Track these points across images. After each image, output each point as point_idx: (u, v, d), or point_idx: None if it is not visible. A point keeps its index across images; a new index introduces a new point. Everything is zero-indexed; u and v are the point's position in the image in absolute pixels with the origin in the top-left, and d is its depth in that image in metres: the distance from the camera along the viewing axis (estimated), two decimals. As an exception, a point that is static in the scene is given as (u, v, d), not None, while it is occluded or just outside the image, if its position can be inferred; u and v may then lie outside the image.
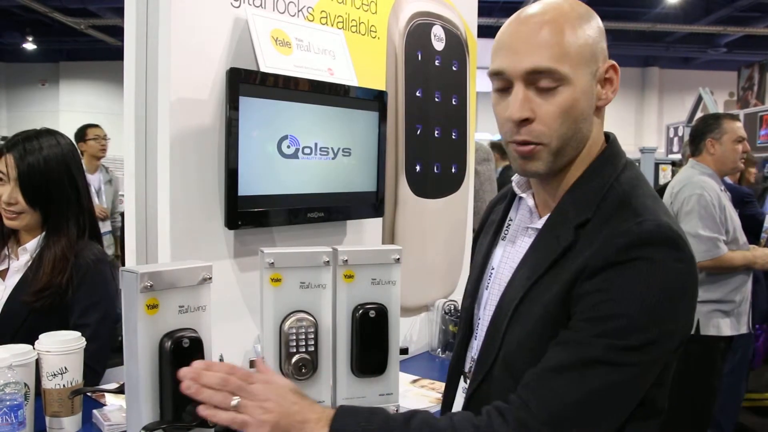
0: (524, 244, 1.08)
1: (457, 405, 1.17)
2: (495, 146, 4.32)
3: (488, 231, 1.20)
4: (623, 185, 0.99)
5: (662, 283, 0.89)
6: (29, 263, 1.69)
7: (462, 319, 1.21)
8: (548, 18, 0.96)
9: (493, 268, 1.14)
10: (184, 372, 0.96)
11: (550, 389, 0.90)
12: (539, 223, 1.06)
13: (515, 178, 1.14)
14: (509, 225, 1.15)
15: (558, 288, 0.95)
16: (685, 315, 0.95)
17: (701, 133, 2.93)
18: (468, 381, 1.13)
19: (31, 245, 1.70)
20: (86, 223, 1.74)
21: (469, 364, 1.16)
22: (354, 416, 0.93)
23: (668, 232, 0.92)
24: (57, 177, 1.69)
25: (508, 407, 0.91)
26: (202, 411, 0.94)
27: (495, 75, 1.00)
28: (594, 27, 0.99)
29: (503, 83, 0.99)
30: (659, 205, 0.99)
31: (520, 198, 1.14)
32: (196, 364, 0.98)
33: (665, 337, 0.91)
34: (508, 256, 1.11)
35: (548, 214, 1.05)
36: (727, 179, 3.59)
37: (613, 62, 1.01)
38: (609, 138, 1.06)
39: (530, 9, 0.99)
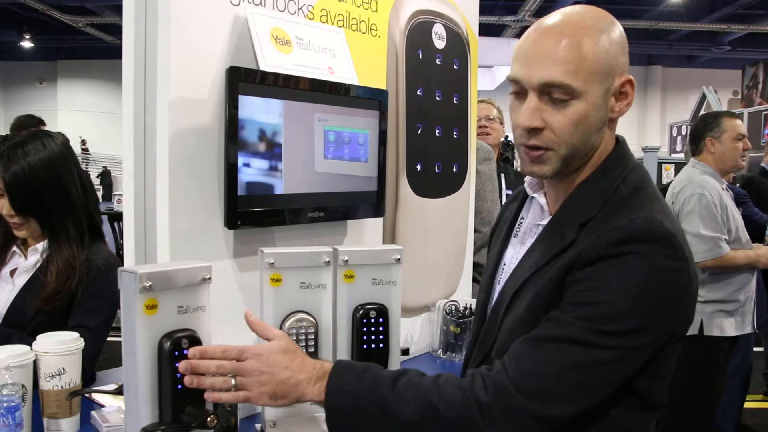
0: (533, 241, 1.12)
1: None
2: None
3: (501, 229, 1.25)
4: (628, 187, 1.03)
5: (649, 276, 0.93)
6: (38, 264, 1.68)
7: (476, 313, 1.25)
8: (568, 31, 0.98)
9: (504, 264, 1.18)
10: (183, 367, 1.03)
11: (529, 359, 0.95)
12: (547, 220, 1.10)
13: (527, 179, 1.17)
14: (521, 223, 1.20)
15: (550, 276, 1.00)
16: (675, 311, 0.98)
17: (701, 132, 2.91)
18: None
19: (42, 245, 1.70)
20: (84, 222, 1.71)
21: None
22: (347, 374, 1.01)
23: (659, 230, 0.95)
24: (45, 183, 1.64)
25: (489, 372, 0.97)
26: (207, 396, 1.02)
27: (512, 81, 1.03)
28: (615, 40, 1.00)
29: (519, 89, 1.03)
30: (657, 205, 1.01)
31: (532, 197, 1.17)
32: (191, 352, 1.04)
33: (648, 328, 0.94)
34: (519, 253, 1.15)
35: None
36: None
37: (630, 77, 1.04)
38: (618, 140, 1.09)
39: (552, 18, 1.02)
